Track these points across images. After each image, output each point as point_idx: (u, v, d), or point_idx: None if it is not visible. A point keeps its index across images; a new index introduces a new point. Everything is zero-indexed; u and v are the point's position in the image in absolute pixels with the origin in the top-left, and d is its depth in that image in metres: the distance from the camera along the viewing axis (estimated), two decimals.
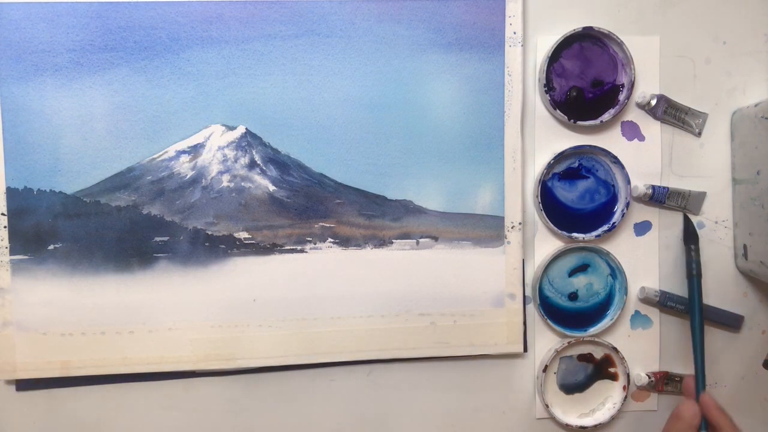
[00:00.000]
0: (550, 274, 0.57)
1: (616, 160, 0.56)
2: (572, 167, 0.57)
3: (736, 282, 0.59)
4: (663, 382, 0.58)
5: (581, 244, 0.56)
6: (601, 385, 0.58)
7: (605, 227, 0.56)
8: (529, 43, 0.56)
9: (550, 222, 0.56)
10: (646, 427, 0.59)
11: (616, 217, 0.56)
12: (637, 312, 0.58)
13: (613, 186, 0.57)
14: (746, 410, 0.60)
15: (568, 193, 0.57)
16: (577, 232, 0.56)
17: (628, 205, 0.56)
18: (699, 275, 0.56)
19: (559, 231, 0.56)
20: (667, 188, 0.57)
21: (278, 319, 0.55)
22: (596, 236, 0.56)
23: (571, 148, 0.55)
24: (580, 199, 0.57)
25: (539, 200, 0.55)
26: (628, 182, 0.56)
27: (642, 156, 0.57)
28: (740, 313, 0.59)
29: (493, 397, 0.58)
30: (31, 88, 0.52)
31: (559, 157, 0.55)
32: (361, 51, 0.54)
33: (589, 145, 0.56)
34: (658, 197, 0.56)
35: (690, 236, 0.57)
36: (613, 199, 0.57)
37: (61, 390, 0.54)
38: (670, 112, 0.57)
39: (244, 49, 0.53)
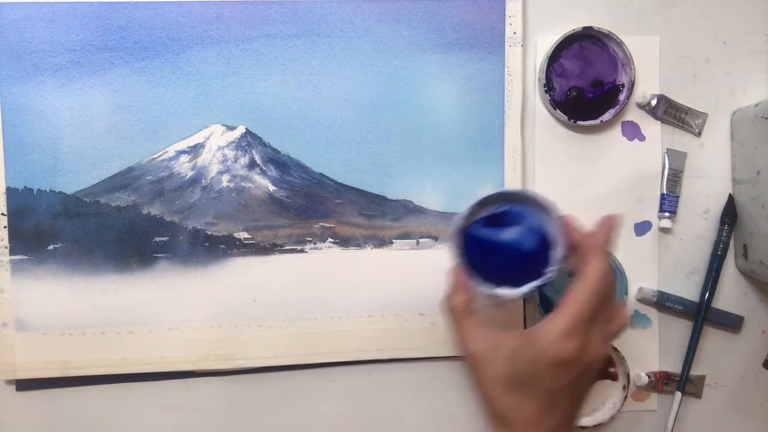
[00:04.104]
0: None
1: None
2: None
3: (736, 282, 0.59)
4: (663, 382, 0.58)
5: None
6: (601, 385, 0.58)
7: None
8: (529, 43, 0.56)
9: None
10: (646, 427, 0.59)
11: None
12: (636, 312, 0.58)
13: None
14: (746, 410, 0.60)
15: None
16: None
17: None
18: (723, 257, 0.57)
19: None
20: (678, 197, 0.57)
21: (278, 319, 0.55)
22: None
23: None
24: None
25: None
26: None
27: (642, 156, 0.57)
28: (740, 313, 0.59)
29: None
30: (31, 88, 0.52)
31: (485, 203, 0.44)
32: (361, 51, 0.54)
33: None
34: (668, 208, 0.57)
35: (728, 214, 0.57)
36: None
37: (61, 390, 0.54)
38: (670, 112, 0.57)
39: (244, 49, 0.53)
